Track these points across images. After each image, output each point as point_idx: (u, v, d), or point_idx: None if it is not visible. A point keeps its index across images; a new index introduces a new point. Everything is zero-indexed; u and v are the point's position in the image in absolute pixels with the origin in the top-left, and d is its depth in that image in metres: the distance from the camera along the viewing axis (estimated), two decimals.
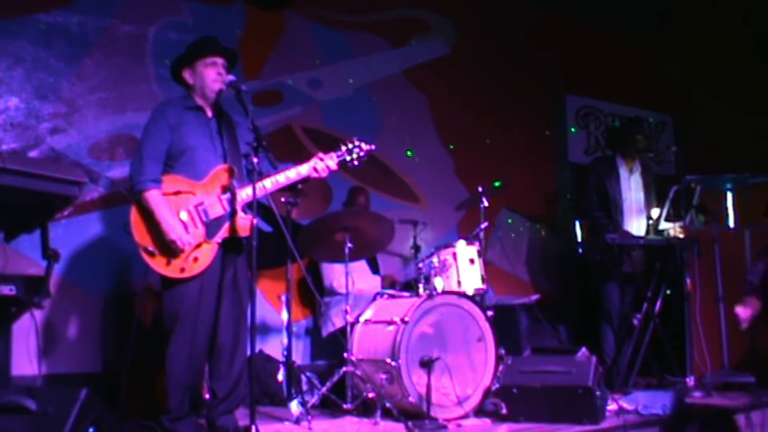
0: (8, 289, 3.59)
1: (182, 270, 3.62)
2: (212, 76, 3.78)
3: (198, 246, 3.65)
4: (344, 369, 4.36)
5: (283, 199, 4.45)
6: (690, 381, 5.12)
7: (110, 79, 5.02)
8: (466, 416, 4.27)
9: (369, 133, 5.35)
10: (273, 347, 5.11)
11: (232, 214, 3.69)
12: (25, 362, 4.23)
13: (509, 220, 6.81)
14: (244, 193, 3.65)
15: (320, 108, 5.99)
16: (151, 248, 3.61)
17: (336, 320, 4.83)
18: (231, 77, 3.74)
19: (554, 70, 7.15)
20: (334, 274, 5.18)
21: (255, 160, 3.47)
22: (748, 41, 7.59)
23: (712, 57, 7.67)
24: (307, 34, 5.99)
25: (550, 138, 7.27)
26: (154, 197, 3.62)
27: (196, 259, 3.63)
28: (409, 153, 6.13)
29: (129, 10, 5.13)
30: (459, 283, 4.73)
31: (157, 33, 5.25)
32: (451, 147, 6.50)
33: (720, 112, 7.49)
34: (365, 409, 4.33)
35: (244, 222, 3.61)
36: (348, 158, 4.00)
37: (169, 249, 3.60)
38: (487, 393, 4.39)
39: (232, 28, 5.53)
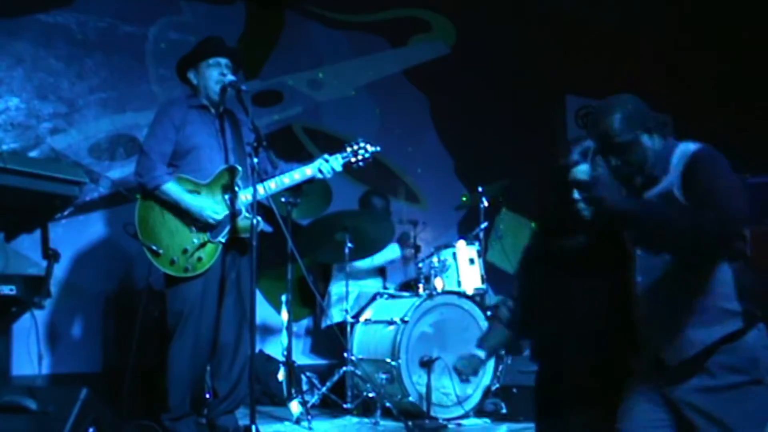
0: (8, 289, 3.59)
1: (186, 269, 3.63)
2: (215, 76, 3.78)
3: (202, 246, 3.66)
4: (344, 369, 4.36)
5: (283, 199, 4.45)
6: None
7: (110, 79, 5.02)
8: (466, 416, 4.28)
9: (369, 133, 5.35)
10: (273, 347, 5.11)
11: (235, 214, 3.69)
12: (25, 362, 4.23)
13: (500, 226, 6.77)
14: (249, 193, 3.66)
15: (320, 108, 5.99)
16: (155, 247, 3.62)
17: (337, 316, 4.85)
18: (231, 77, 3.75)
19: (554, 70, 7.15)
20: None
21: (255, 160, 3.48)
22: (748, 40, 7.59)
23: (712, 57, 7.67)
24: (307, 34, 5.99)
25: (550, 138, 7.27)
26: (172, 188, 3.66)
27: (199, 259, 3.64)
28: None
29: (129, 10, 5.13)
30: (459, 283, 4.73)
31: (157, 33, 5.25)
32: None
33: (720, 112, 7.49)
34: (365, 409, 4.33)
35: (248, 222, 3.61)
36: (353, 159, 3.99)
37: (174, 250, 3.63)
38: (487, 393, 4.39)
39: (232, 27, 5.53)
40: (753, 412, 2.32)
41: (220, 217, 3.66)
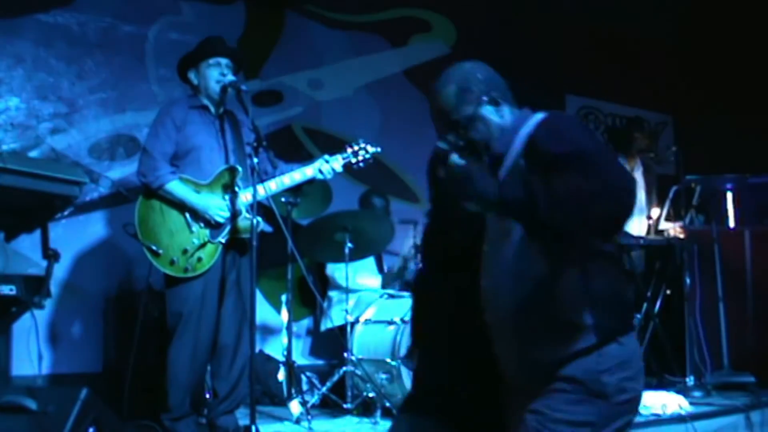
0: (8, 289, 3.59)
1: (186, 270, 3.63)
2: (215, 76, 3.78)
3: (202, 246, 3.66)
4: (344, 369, 4.36)
5: (283, 199, 4.46)
6: (690, 381, 5.12)
7: (110, 79, 5.02)
8: None
9: (369, 133, 5.35)
10: (273, 347, 5.11)
11: (235, 214, 3.69)
12: (25, 362, 4.23)
13: None
14: (249, 193, 3.66)
15: (320, 108, 5.99)
16: (155, 247, 3.62)
17: (337, 318, 4.84)
18: (231, 77, 3.75)
19: (554, 70, 7.14)
20: (337, 265, 5.18)
21: (255, 160, 3.48)
22: (748, 40, 7.58)
23: (712, 56, 7.67)
24: (307, 34, 5.99)
25: None
26: (177, 187, 3.67)
27: (199, 259, 3.65)
28: None
29: (129, 10, 5.13)
30: None
31: (157, 33, 5.25)
32: None
33: (720, 112, 7.49)
34: (365, 409, 4.33)
35: (248, 223, 3.61)
36: (353, 160, 3.99)
37: (174, 250, 3.64)
38: None
39: (232, 27, 5.53)
40: (576, 415, 1.94)
41: (227, 215, 3.67)
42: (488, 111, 2.12)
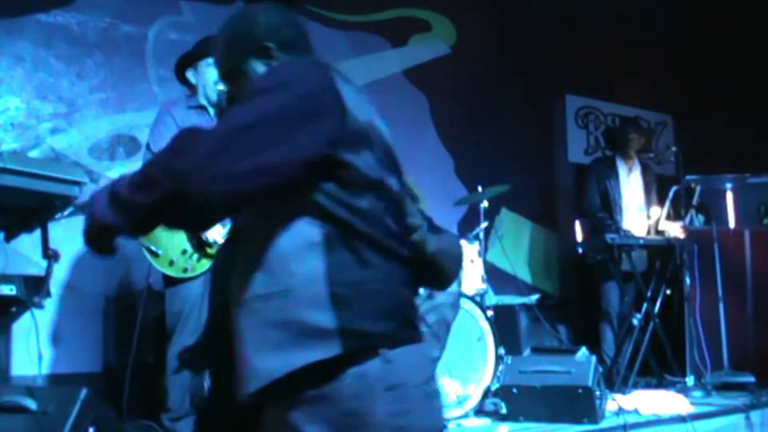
0: (8, 289, 3.59)
1: (185, 270, 3.63)
2: (214, 76, 3.78)
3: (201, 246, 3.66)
4: None
5: None
6: (690, 381, 5.13)
7: (110, 79, 5.01)
8: (466, 416, 4.27)
9: None
10: None
11: None
12: (25, 362, 4.22)
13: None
14: None
15: None
16: (154, 248, 3.62)
17: None
18: None
19: (554, 70, 7.15)
20: None
21: None
22: (748, 40, 7.58)
23: (712, 57, 7.67)
24: None
25: (550, 138, 7.27)
26: None
27: (199, 260, 3.64)
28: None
29: (129, 10, 5.12)
30: (459, 283, 4.72)
31: (157, 33, 5.25)
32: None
33: (720, 112, 7.50)
34: None
35: None
36: None
37: (174, 250, 3.64)
38: (487, 393, 4.39)
39: None
40: None
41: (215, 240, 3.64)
42: (255, 64, 1.74)
